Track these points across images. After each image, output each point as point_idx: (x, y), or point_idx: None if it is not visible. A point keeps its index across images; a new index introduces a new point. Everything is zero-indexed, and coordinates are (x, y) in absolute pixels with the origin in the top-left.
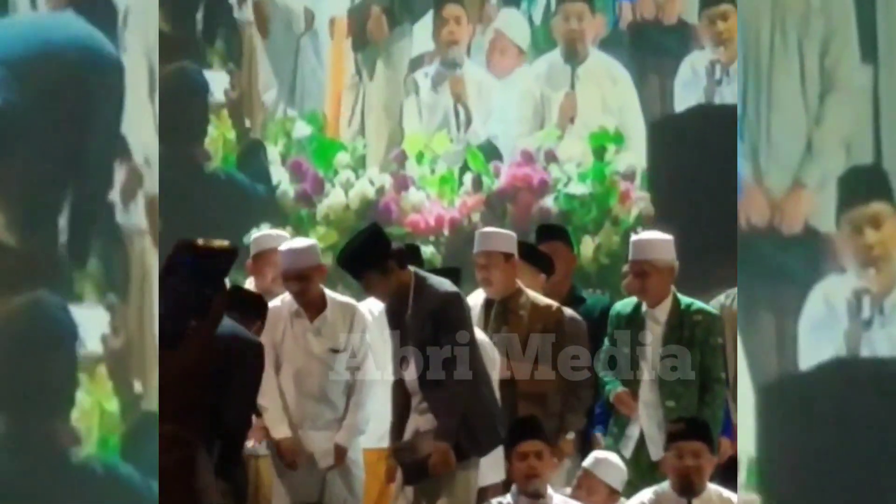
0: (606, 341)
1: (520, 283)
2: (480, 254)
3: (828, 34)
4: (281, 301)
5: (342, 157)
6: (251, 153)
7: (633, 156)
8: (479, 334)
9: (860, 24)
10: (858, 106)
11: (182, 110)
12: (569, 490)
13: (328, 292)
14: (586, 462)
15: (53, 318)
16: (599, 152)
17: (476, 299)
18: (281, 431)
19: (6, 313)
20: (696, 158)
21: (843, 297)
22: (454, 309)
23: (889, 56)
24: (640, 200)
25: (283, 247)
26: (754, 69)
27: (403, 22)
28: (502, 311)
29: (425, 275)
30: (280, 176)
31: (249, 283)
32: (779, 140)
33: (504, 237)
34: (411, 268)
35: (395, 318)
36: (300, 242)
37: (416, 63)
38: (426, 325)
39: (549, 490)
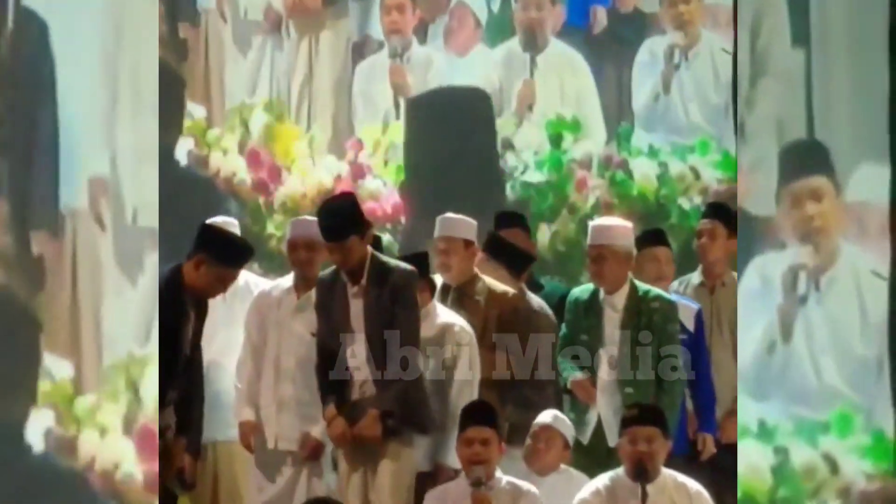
0: (564, 327)
1: (476, 270)
2: (440, 239)
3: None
4: (270, 287)
5: (299, 146)
6: None
7: (591, 144)
8: (454, 316)
9: (791, 9)
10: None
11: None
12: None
13: None
14: (542, 417)
15: None
16: (556, 140)
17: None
18: (245, 414)
19: None
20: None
21: (780, 272)
22: (412, 289)
23: (821, 41)
24: (596, 188)
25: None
26: None
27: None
28: (458, 297)
29: (375, 252)
30: (237, 165)
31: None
32: None
33: (464, 223)
34: None
35: (342, 289)
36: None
37: (359, 47)
38: (382, 297)
39: (498, 473)
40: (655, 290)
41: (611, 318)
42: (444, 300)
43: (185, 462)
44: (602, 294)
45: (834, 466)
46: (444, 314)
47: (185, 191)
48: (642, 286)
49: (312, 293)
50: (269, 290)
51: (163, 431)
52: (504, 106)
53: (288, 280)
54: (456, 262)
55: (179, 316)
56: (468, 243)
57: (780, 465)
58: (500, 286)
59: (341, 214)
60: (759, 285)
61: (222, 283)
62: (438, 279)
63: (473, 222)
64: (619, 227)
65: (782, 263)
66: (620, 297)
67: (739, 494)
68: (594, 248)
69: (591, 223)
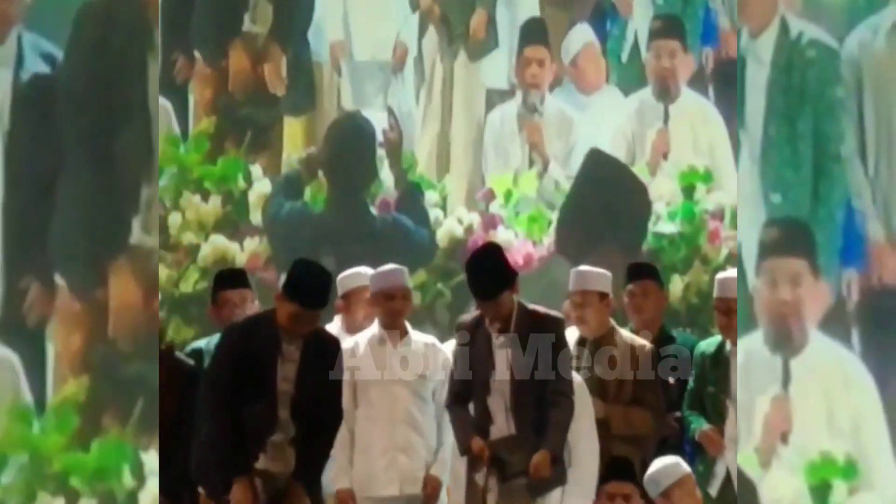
0: (691, 381)
1: (612, 323)
2: (576, 293)
3: None
4: (354, 342)
5: (430, 197)
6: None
7: (723, 195)
8: (575, 375)
9: None
10: None
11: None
12: None
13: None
14: (681, 467)
15: None
16: (689, 191)
17: (569, 336)
18: (343, 482)
19: None
20: None
21: None
22: (563, 333)
23: None
24: (728, 240)
25: (374, 272)
26: None
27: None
28: (595, 350)
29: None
30: None
31: (336, 322)
32: None
33: (600, 276)
34: None
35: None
36: (390, 265)
37: (491, 97)
38: (532, 346)
39: None
40: None
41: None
42: (579, 354)
43: None
44: (728, 346)
45: None
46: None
47: None
48: None
49: (411, 338)
50: (353, 345)
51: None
52: (637, 155)
53: (368, 334)
54: (591, 314)
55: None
56: (603, 295)
57: None
58: (637, 339)
59: (492, 272)
60: None
61: (302, 323)
62: (574, 332)
63: (608, 274)
64: None
65: None
66: None
67: None
68: (722, 301)
69: (717, 276)
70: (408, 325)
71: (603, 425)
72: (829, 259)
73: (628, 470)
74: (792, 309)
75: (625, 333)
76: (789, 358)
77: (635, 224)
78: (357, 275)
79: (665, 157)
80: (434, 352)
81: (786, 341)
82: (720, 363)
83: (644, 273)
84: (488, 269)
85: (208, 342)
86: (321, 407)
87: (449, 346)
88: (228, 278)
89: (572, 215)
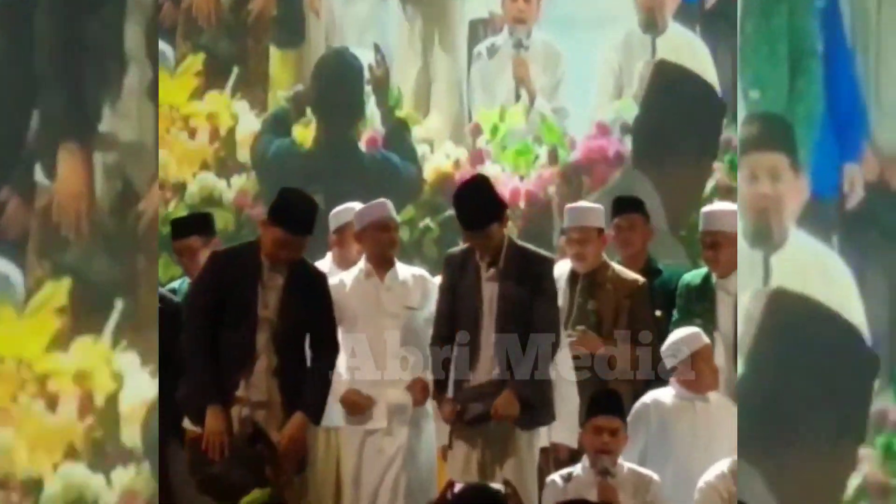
0: (676, 313)
1: (605, 257)
2: (574, 229)
3: None
4: (339, 278)
5: (417, 132)
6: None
7: None
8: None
9: None
10: None
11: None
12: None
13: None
14: None
15: None
16: None
17: (559, 271)
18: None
19: None
20: None
21: None
22: (552, 274)
23: None
24: (715, 172)
25: (362, 206)
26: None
27: None
28: (589, 285)
29: (511, 236)
30: None
31: (329, 258)
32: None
33: (596, 212)
34: None
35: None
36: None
37: (475, 29)
38: (520, 284)
39: (620, 460)
40: None
41: (724, 302)
42: (572, 288)
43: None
44: (714, 278)
45: None
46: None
47: None
48: None
49: (397, 271)
50: (339, 281)
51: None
52: (625, 88)
53: (355, 270)
54: (590, 250)
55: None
56: (600, 231)
57: None
58: (629, 273)
59: (481, 202)
60: None
61: (287, 249)
62: (565, 265)
63: (602, 209)
64: (731, 212)
65: None
66: (733, 281)
67: None
68: (708, 234)
69: (703, 210)
70: (395, 259)
71: (604, 363)
72: (808, 154)
73: (617, 404)
74: (772, 203)
75: (617, 267)
76: (769, 254)
77: (710, 126)
78: (351, 210)
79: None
80: (422, 283)
81: (766, 237)
82: (706, 295)
83: (631, 207)
84: (477, 199)
85: (181, 283)
86: (316, 338)
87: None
88: (183, 226)
89: (647, 127)
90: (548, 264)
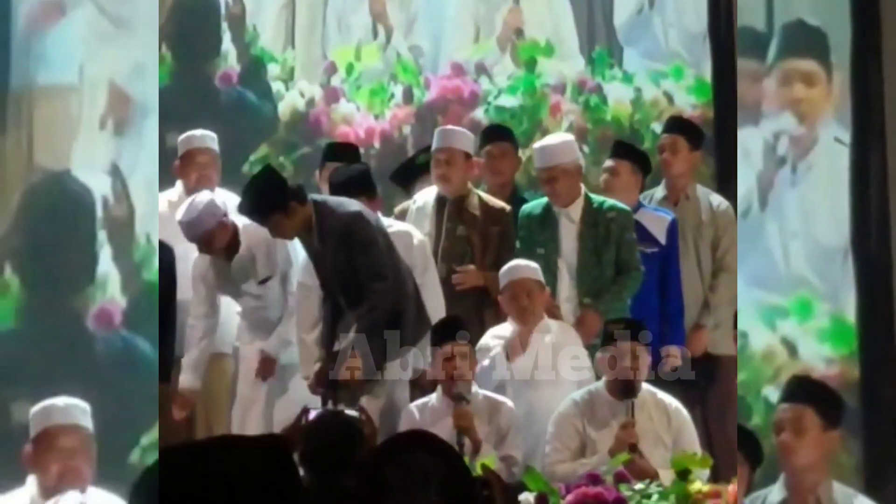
0: (518, 243)
1: (470, 185)
2: (441, 150)
3: None
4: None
5: (272, 69)
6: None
7: (565, 68)
8: (406, 226)
9: None
10: None
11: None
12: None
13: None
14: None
15: None
16: (530, 65)
17: (426, 197)
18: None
19: None
20: None
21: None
22: (359, 228)
23: None
24: (569, 113)
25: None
26: None
27: None
28: (456, 211)
29: (324, 198)
30: None
31: (178, 186)
32: None
33: (465, 136)
34: (310, 196)
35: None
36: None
37: None
38: (337, 251)
39: (474, 388)
40: (610, 201)
41: (567, 229)
42: (439, 213)
43: None
44: (555, 207)
45: (793, 350)
46: (395, 225)
47: None
48: (597, 197)
49: (241, 250)
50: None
51: None
52: (486, 31)
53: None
54: (456, 174)
55: None
56: (467, 156)
57: (741, 349)
58: (496, 201)
59: (256, 202)
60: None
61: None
62: (431, 192)
63: (472, 135)
64: (561, 144)
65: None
66: (576, 209)
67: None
68: (543, 171)
69: (534, 146)
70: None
71: (483, 291)
72: None
73: (462, 329)
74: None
75: (482, 195)
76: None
77: None
78: (195, 136)
79: (519, 34)
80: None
81: None
82: (548, 224)
83: (502, 135)
84: (253, 196)
85: None
86: None
87: None
88: None
89: None
90: (350, 219)
